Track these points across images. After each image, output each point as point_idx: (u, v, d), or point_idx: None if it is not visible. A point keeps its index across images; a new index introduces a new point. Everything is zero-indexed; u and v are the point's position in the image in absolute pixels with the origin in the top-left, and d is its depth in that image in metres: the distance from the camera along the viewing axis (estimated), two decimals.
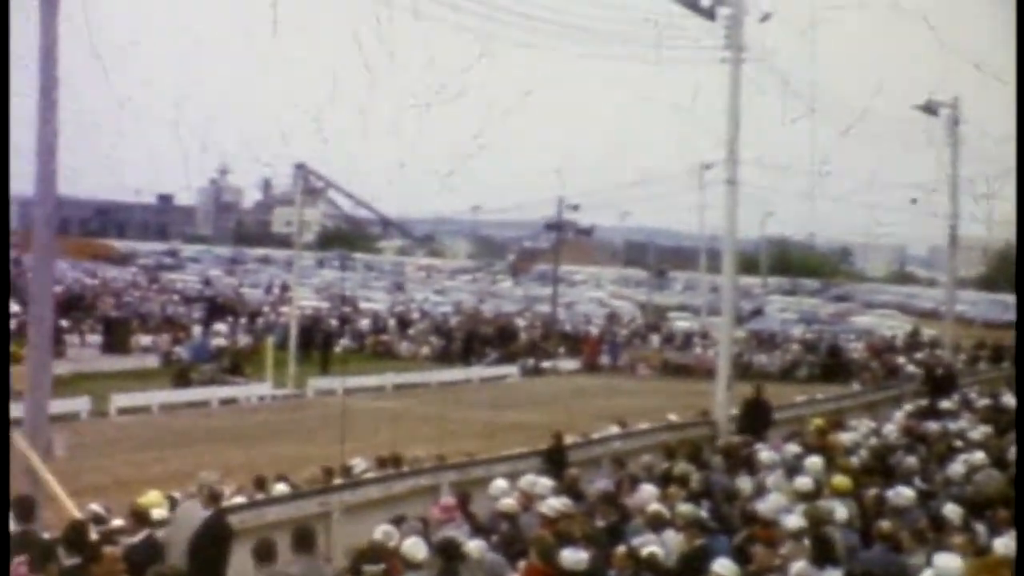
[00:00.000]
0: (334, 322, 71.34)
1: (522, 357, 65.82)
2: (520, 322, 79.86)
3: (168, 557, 14.68)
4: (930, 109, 48.49)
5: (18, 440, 17.84)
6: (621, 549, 14.76)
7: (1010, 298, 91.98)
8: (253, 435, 35.38)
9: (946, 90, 49.34)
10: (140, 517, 15.41)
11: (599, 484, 19.97)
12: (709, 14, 32.00)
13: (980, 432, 25.81)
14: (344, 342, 68.03)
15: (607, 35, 34.99)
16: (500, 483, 18.78)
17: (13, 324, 52.48)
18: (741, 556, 14.79)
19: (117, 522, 16.48)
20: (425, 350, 68.22)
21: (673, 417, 32.70)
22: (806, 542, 14.90)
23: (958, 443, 24.38)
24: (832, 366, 63.05)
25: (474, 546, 14.73)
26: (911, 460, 21.56)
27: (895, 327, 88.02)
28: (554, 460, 24.00)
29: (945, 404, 33.12)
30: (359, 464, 23.76)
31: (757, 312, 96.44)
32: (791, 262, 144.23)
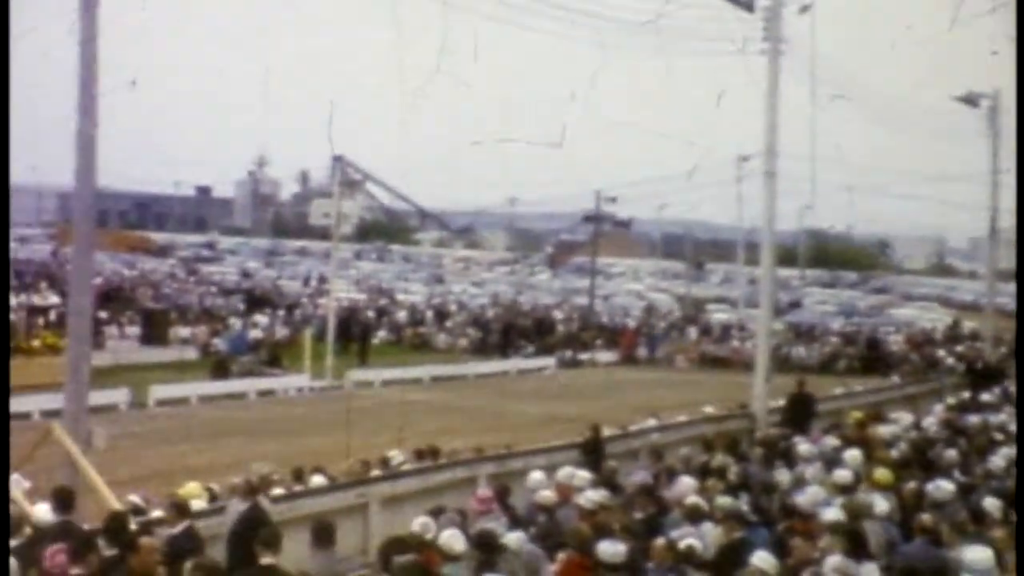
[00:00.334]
0: (372, 314, 71.52)
1: (559, 349, 65.88)
2: (558, 314, 79.86)
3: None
4: (971, 100, 48.21)
5: (58, 431, 17.91)
6: (659, 542, 14.71)
7: None
8: (291, 427, 35.43)
9: (988, 81, 49.01)
10: (181, 508, 15.46)
11: (637, 476, 19.90)
12: (748, 6, 31.87)
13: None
14: (382, 334, 68.24)
15: (644, 27, 34.87)
16: (537, 475, 18.76)
17: (53, 315, 53.08)
18: (780, 549, 14.73)
19: (156, 513, 16.51)
20: (463, 342, 68.26)
21: (709, 410, 32.67)
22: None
23: (999, 436, 24.21)
24: (871, 359, 62.80)
25: (512, 538, 14.71)
26: (951, 453, 21.46)
27: (935, 319, 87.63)
28: (592, 452, 23.98)
29: (986, 397, 32.92)
30: (397, 456, 23.75)
31: (795, 304, 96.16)
32: (830, 254, 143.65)
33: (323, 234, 69.07)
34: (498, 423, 37.15)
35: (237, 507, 15.61)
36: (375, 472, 22.27)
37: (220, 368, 50.28)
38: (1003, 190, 51.07)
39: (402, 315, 75.35)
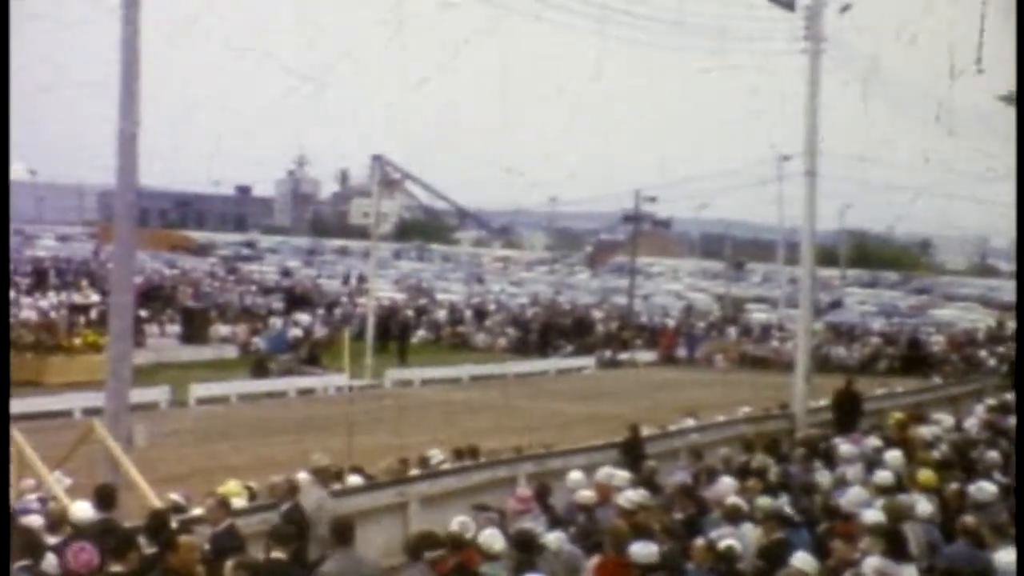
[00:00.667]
0: (411, 313, 71.54)
1: (599, 349, 65.80)
2: (597, 314, 79.77)
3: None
4: (1012, 99, 47.90)
5: (99, 429, 17.99)
6: (699, 542, 14.68)
7: None
8: (330, 426, 35.42)
9: None
10: (224, 506, 15.54)
11: (677, 476, 19.90)
12: (789, 5, 31.81)
13: None
14: (421, 333, 68.29)
15: (687, 28, 34.84)
16: (576, 475, 18.75)
17: (94, 314, 53.33)
18: (820, 550, 14.67)
19: (196, 511, 16.57)
20: (502, 341, 68.23)
21: (746, 410, 32.61)
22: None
23: None
24: (912, 359, 62.47)
25: (552, 538, 14.70)
26: (993, 454, 21.33)
27: (976, 320, 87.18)
28: (631, 452, 23.94)
29: None
30: (436, 455, 23.77)
31: (836, 304, 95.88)
32: (870, 254, 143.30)
33: (362, 233, 69.41)
34: (537, 422, 37.11)
35: (314, 494, 15.88)
36: (414, 471, 22.28)
37: (260, 367, 50.40)
38: None
39: (441, 314, 75.43)
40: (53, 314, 54.63)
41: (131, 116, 18.29)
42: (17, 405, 36.81)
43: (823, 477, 19.83)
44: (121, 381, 18.51)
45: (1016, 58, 24.60)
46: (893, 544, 14.21)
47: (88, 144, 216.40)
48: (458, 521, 14.52)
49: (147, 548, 13.15)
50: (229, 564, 12.28)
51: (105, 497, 14.81)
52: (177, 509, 16.68)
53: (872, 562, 13.62)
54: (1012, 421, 26.92)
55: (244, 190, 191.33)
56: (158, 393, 40.05)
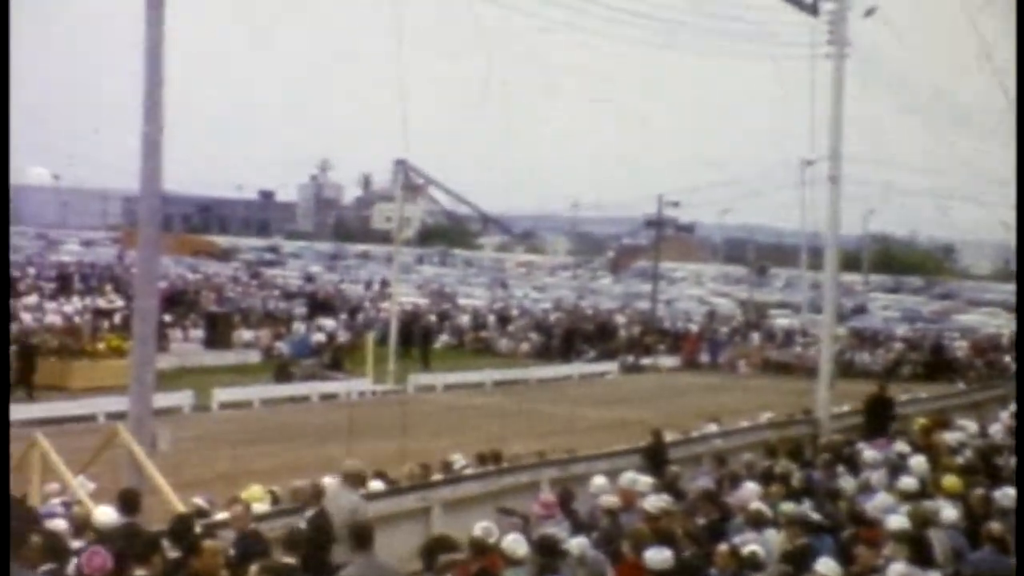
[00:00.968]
0: (434, 318, 71.58)
1: (621, 354, 65.74)
2: (620, 319, 79.78)
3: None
4: None
5: (123, 433, 18.03)
6: (722, 547, 14.65)
7: None
8: (353, 430, 35.41)
9: None
10: (248, 510, 15.56)
11: (700, 482, 19.86)
12: (812, 9, 31.76)
13: None
14: (443, 338, 68.34)
15: (709, 32, 34.83)
16: (600, 480, 18.74)
17: (118, 318, 53.47)
18: (844, 556, 14.64)
19: (220, 515, 16.59)
20: (525, 346, 68.23)
21: (769, 416, 32.55)
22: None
23: None
24: (936, 364, 62.29)
25: (575, 543, 14.68)
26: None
27: (1000, 325, 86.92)
28: (654, 457, 23.92)
29: None
30: (459, 460, 23.75)
31: (859, 310, 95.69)
32: (894, 259, 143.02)
33: (385, 238, 69.19)
34: (560, 427, 37.09)
35: (346, 498, 15.92)
36: (437, 476, 22.27)
37: (283, 372, 50.46)
38: None
39: (464, 319, 75.48)
40: (77, 319, 54.78)
41: (155, 122, 18.33)
42: (41, 409, 37.14)
43: (847, 483, 19.78)
44: (145, 385, 18.54)
45: (1016, 58, 24.61)
46: (918, 550, 14.17)
47: (112, 149, 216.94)
48: (481, 526, 14.50)
49: (171, 552, 13.18)
50: (253, 568, 12.30)
51: (129, 501, 14.84)
52: (201, 513, 16.71)
53: (897, 568, 13.58)
54: None
55: (267, 195, 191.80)
56: (181, 397, 40.13)
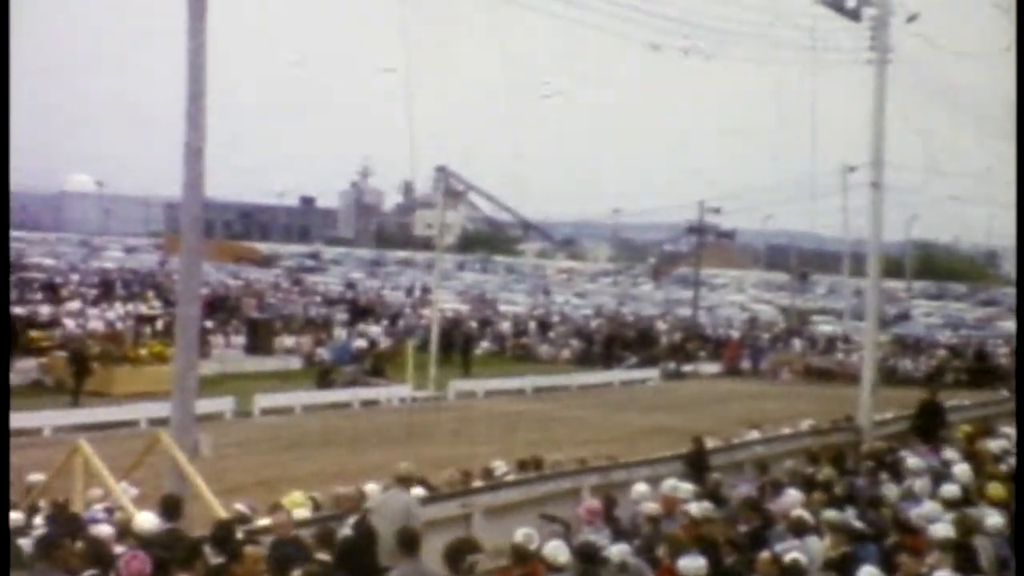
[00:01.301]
0: (474, 325, 71.62)
1: (663, 360, 65.65)
2: (661, 325, 79.70)
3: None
4: None
5: (166, 439, 18.08)
6: (764, 555, 14.59)
7: None
8: (394, 437, 35.49)
9: None
10: (290, 516, 15.61)
11: (742, 489, 19.79)
12: (854, 15, 31.62)
13: None
14: (484, 345, 68.34)
15: (747, 38, 34.71)
16: (641, 487, 18.72)
17: (160, 324, 53.69)
18: (887, 564, 14.55)
19: (262, 521, 16.62)
20: (566, 353, 68.24)
21: (811, 423, 32.44)
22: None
23: None
24: (979, 371, 61.95)
25: (616, 551, 14.65)
26: None
27: None
28: (695, 464, 23.85)
29: None
30: (500, 467, 23.73)
31: (902, 316, 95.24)
32: (937, 266, 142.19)
33: (426, 244, 69.27)
34: (601, 434, 37.05)
35: (401, 500, 15.99)
36: (478, 483, 22.26)
37: (324, 378, 50.54)
38: None
39: (505, 326, 75.47)
40: (120, 325, 55.02)
41: (197, 129, 18.38)
42: (84, 415, 37.34)
43: (890, 490, 19.68)
44: (187, 391, 18.58)
45: (1016, 58, 24.48)
46: (964, 558, 14.08)
47: (155, 156, 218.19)
48: (522, 532, 14.48)
49: (213, 558, 13.20)
50: (296, 574, 12.33)
51: (171, 507, 14.88)
52: (242, 519, 16.74)
53: None
54: None
55: (308, 201, 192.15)
56: (223, 404, 40.23)
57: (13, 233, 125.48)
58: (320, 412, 43.64)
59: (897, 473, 21.38)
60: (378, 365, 53.95)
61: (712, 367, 66.56)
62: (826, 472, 20.54)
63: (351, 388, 48.71)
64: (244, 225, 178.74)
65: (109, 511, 16.50)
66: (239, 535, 14.37)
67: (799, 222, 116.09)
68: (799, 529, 16.01)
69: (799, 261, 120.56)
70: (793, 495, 18.15)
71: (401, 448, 32.26)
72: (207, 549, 13.34)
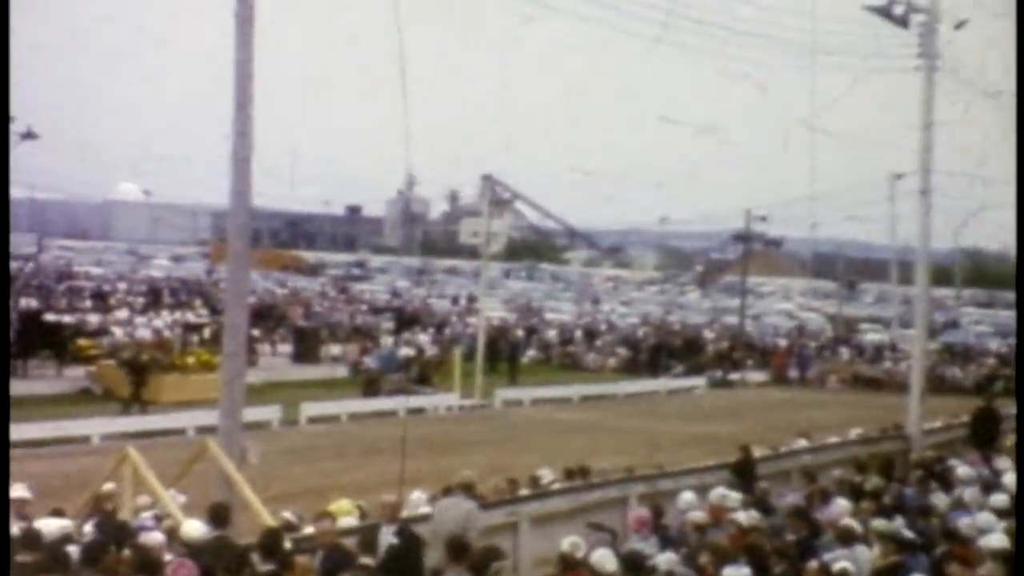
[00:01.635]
0: (521, 333, 71.58)
1: (710, 369, 65.47)
2: (708, 334, 79.49)
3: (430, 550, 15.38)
4: None
5: (213, 447, 18.12)
6: (812, 564, 14.51)
7: None
8: (440, 445, 35.51)
9: None
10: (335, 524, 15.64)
11: (789, 498, 19.70)
12: (902, 22, 31.46)
13: None
14: (531, 353, 68.30)
15: (793, 44, 34.59)
16: (689, 496, 18.67)
17: (207, 333, 53.90)
18: (937, 574, 14.44)
19: (309, 529, 16.64)
20: (612, 361, 68.15)
21: (859, 431, 32.29)
22: None
23: None
24: None
25: (663, 559, 14.61)
26: None
27: None
28: (743, 473, 23.76)
29: None
30: (546, 475, 23.69)
31: (951, 324, 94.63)
32: (986, 273, 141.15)
33: (472, 253, 69.41)
34: (648, 443, 36.95)
35: (462, 506, 16.00)
36: (524, 491, 22.23)
37: (371, 386, 50.57)
38: None
39: (551, 334, 75.43)
40: (167, 333, 55.26)
41: (245, 138, 18.43)
42: (132, 423, 37.53)
43: (939, 499, 19.55)
44: (234, 400, 18.62)
45: (1016, 58, 24.31)
46: (1018, 570, 13.96)
47: (203, 164, 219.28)
48: (569, 541, 14.47)
49: (260, 566, 13.23)
50: None
51: (219, 515, 14.91)
52: (289, 527, 16.77)
53: None
54: None
55: (354, 210, 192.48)
56: (270, 412, 40.28)
57: (61, 242, 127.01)
58: (366, 420, 43.68)
59: (946, 482, 21.24)
60: (424, 373, 53.98)
61: (759, 375, 66.36)
62: (874, 481, 20.42)
63: (397, 396, 48.69)
64: (291, 234, 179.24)
65: (157, 519, 16.55)
66: (287, 544, 14.39)
67: (846, 230, 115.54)
68: (847, 538, 15.91)
69: (846, 269, 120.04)
70: (841, 504, 18.06)
71: (448, 456, 32.29)
72: (255, 557, 13.37)
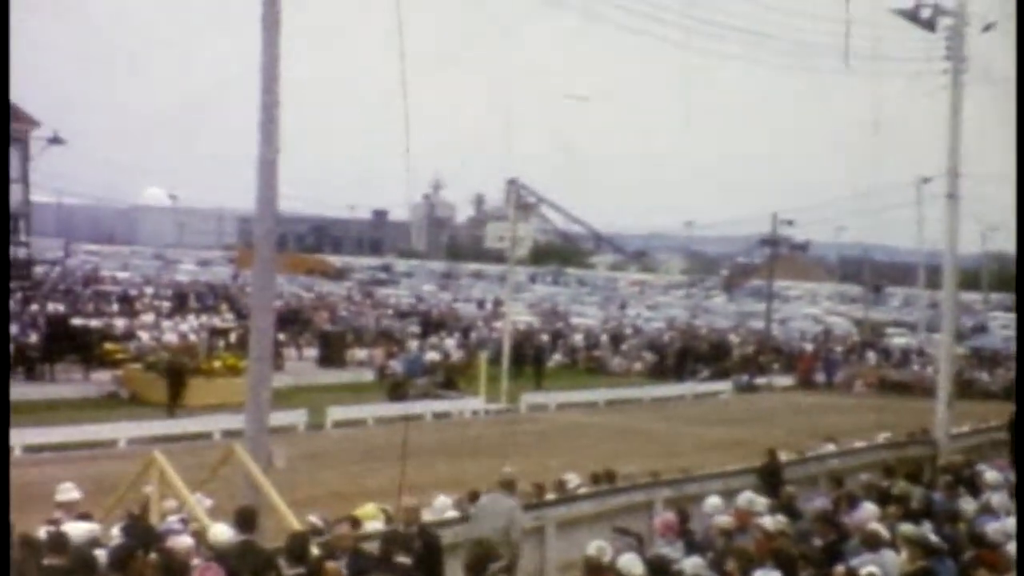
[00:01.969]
0: (546, 337, 71.52)
1: (736, 373, 65.34)
2: (734, 338, 79.36)
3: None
4: None
5: (239, 451, 18.13)
6: (839, 569, 14.46)
7: None
8: (466, 449, 35.53)
9: None
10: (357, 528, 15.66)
11: (816, 502, 19.62)
12: (930, 25, 31.38)
13: None
14: (556, 357, 68.23)
15: (821, 48, 34.53)
16: (715, 500, 18.62)
17: (233, 337, 54.01)
18: None
19: (336, 533, 16.64)
20: (638, 366, 68.08)
21: (886, 436, 32.20)
22: None
23: None
24: None
25: (690, 564, 14.57)
26: None
27: None
28: (769, 477, 23.71)
29: None
30: (572, 479, 23.68)
31: (979, 329, 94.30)
32: (1014, 277, 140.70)
33: (498, 257, 69.58)
34: (674, 447, 36.93)
35: (504, 504, 16.06)
36: (551, 495, 22.22)
37: (397, 390, 50.57)
38: None
39: (577, 338, 75.37)
40: (193, 337, 55.36)
41: (271, 142, 18.44)
42: (158, 427, 37.58)
43: (967, 504, 19.46)
44: (260, 404, 18.63)
45: (1016, 58, 24.20)
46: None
47: (229, 169, 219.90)
48: (595, 545, 14.43)
49: (287, 570, 13.24)
50: None
51: (245, 519, 14.91)
52: (315, 532, 16.77)
53: None
54: None
55: (380, 214, 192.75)
56: (296, 416, 40.33)
57: (88, 247, 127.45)
58: (392, 424, 43.64)
59: (974, 487, 21.14)
60: (450, 377, 53.98)
61: (785, 380, 66.23)
62: (902, 486, 20.35)
63: (423, 400, 48.73)
64: (317, 238, 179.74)
65: (184, 522, 16.56)
66: (315, 548, 14.40)
67: (873, 234, 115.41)
68: (874, 543, 15.84)
69: (873, 273, 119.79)
70: (869, 509, 17.97)
71: (474, 460, 32.30)
72: (281, 561, 13.38)
